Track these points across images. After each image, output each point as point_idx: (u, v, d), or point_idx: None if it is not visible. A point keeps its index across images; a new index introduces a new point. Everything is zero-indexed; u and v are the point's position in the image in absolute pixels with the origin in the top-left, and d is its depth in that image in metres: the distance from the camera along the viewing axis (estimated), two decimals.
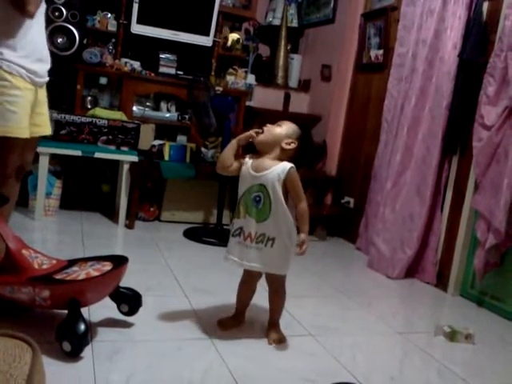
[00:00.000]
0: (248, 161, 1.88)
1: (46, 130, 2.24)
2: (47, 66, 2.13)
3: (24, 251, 1.80)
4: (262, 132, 1.86)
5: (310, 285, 2.73)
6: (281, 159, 1.84)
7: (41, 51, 2.07)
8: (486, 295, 2.70)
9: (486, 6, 2.77)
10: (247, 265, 1.87)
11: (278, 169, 1.81)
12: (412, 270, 3.05)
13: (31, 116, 2.08)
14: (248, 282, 1.98)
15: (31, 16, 1.93)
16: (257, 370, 1.72)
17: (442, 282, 2.92)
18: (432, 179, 2.94)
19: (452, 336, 2.17)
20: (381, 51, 3.58)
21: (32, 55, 2.01)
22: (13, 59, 1.94)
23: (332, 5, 4.17)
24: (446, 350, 2.10)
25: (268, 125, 1.89)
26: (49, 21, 3.43)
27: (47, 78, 2.16)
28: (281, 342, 1.93)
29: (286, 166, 1.81)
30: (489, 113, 2.59)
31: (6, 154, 2.04)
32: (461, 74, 2.84)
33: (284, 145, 1.84)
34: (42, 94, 2.16)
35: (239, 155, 1.91)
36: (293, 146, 1.85)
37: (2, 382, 0.85)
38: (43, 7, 2.10)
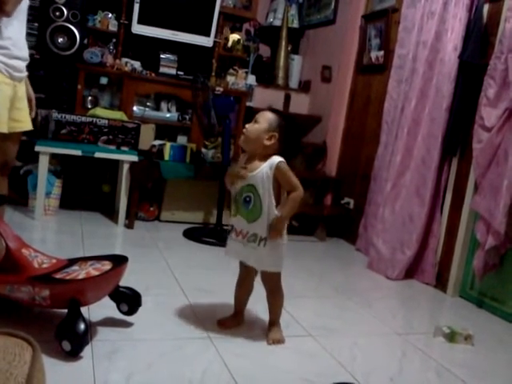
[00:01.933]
0: (241, 160, 1.89)
1: (27, 125, 2.24)
2: (25, 62, 2.14)
3: (24, 250, 1.80)
4: (243, 133, 1.85)
5: (310, 285, 2.73)
6: (269, 155, 1.82)
7: (19, 48, 2.08)
8: (485, 296, 2.70)
9: (486, 8, 2.78)
10: (246, 261, 1.90)
11: (266, 167, 1.79)
12: (411, 271, 3.05)
13: (11, 111, 2.08)
14: (244, 280, 1.99)
15: (8, 15, 1.95)
16: (256, 369, 1.72)
17: (441, 283, 2.93)
18: (432, 180, 2.95)
19: (451, 337, 2.17)
20: (381, 53, 3.59)
21: (10, 52, 2.02)
22: None
23: (333, 6, 4.18)
24: (446, 351, 2.10)
25: (247, 125, 1.86)
26: (49, 20, 3.44)
27: (26, 73, 2.17)
28: (280, 342, 1.93)
29: (274, 161, 1.79)
30: (489, 114, 2.60)
31: None
32: (461, 75, 2.85)
33: (265, 142, 1.80)
34: (21, 89, 2.16)
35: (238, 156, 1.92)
36: (274, 139, 1.80)
37: (2, 381, 0.85)
38: (25, 3, 2.10)
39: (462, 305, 2.76)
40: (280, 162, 1.79)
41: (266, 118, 1.83)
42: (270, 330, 1.96)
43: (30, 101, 2.30)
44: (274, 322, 1.98)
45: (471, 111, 2.77)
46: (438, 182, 2.98)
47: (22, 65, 2.13)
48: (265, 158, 1.82)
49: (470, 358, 2.07)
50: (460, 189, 2.88)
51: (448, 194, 2.96)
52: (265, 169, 1.79)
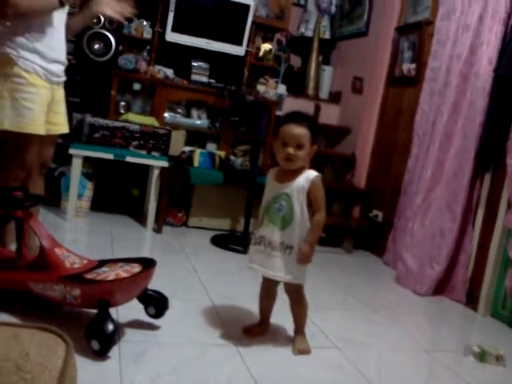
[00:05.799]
0: (272, 171, 1.92)
1: (63, 128, 2.29)
2: (63, 66, 2.19)
3: (57, 250, 1.83)
4: (291, 159, 1.80)
5: (337, 298, 2.70)
6: (304, 165, 1.85)
7: (58, 55, 2.14)
8: None
9: None
10: (270, 273, 1.86)
11: (302, 178, 1.82)
12: (441, 288, 2.98)
13: (48, 114, 2.13)
14: (267, 289, 1.98)
15: (6, 18, 1.97)
16: (281, 379, 1.71)
17: (472, 301, 2.85)
18: (463, 195, 2.88)
19: (482, 356, 2.10)
20: (413, 65, 3.55)
21: (49, 57, 2.07)
22: (29, 57, 2.00)
23: (365, 18, 4.17)
24: (475, 371, 2.04)
25: (291, 151, 1.78)
26: (87, 27, 3.52)
27: (64, 78, 2.22)
28: (305, 352, 1.91)
29: (310, 175, 1.83)
30: None
31: (23, 150, 2.09)
32: (496, 90, 2.79)
33: (308, 158, 1.85)
34: (59, 93, 2.22)
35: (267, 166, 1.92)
36: (313, 152, 1.84)
37: (38, 374, 0.87)
38: (64, 13, 2.14)
39: (494, 324, 2.68)
40: (316, 176, 1.83)
41: (306, 137, 1.79)
42: (295, 340, 1.95)
43: None
44: (299, 331, 1.97)
45: (505, 126, 2.71)
46: (469, 197, 2.91)
47: (61, 69, 2.18)
48: (299, 169, 1.84)
49: (501, 380, 2.01)
50: (492, 205, 2.81)
51: (480, 209, 2.90)
52: (301, 181, 1.82)
